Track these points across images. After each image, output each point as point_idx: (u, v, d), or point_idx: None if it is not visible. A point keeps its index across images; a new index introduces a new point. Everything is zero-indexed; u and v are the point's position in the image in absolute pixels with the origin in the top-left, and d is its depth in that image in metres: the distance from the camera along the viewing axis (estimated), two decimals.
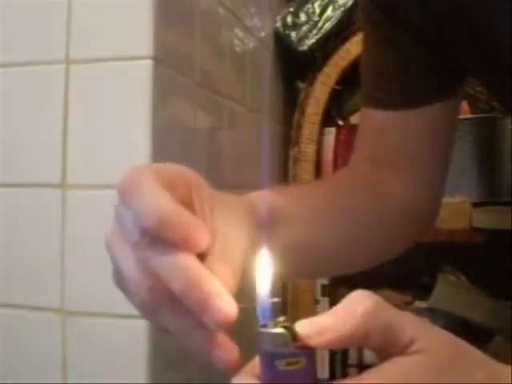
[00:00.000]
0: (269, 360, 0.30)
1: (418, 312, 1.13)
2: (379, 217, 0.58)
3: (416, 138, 0.59)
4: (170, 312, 0.35)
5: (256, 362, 0.31)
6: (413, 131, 0.59)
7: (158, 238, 0.33)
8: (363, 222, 0.57)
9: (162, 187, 0.34)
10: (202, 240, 0.33)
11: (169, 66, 0.66)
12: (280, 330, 0.30)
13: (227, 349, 0.34)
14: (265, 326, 0.31)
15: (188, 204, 0.36)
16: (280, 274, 0.35)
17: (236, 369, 0.33)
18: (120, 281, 0.36)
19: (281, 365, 0.30)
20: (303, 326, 0.30)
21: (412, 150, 0.60)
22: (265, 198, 0.46)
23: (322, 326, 0.30)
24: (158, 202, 0.33)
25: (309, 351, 0.30)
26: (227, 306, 0.32)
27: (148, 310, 0.35)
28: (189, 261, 0.33)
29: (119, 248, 0.35)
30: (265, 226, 0.43)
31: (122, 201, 0.35)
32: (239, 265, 0.36)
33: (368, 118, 0.62)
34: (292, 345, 0.30)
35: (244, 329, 0.35)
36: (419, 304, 1.14)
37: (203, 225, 0.34)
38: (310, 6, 1.16)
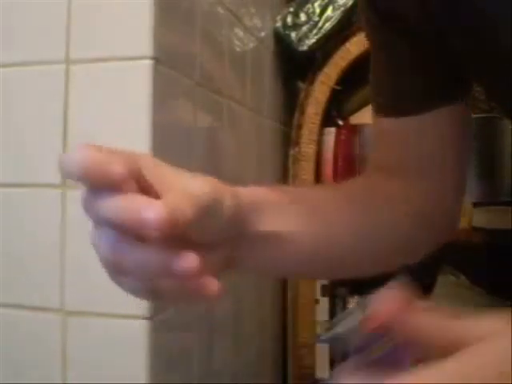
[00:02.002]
0: (358, 352, 0.30)
1: None
2: (393, 224, 0.56)
3: (427, 144, 0.58)
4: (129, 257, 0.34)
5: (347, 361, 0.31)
6: (420, 137, 0.58)
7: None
8: (374, 226, 0.55)
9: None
10: (117, 170, 0.32)
11: (169, 66, 0.66)
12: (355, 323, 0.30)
13: (184, 255, 0.33)
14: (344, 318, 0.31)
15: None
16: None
17: (198, 276, 0.33)
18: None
19: (372, 353, 0.30)
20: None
21: (424, 157, 0.58)
22: (253, 188, 0.46)
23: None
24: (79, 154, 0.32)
25: (391, 334, 0.30)
26: (154, 209, 0.31)
27: (113, 269, 0.36)
28: (122, 195, 0.33)
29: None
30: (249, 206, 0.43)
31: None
32: (196, 197, 0.35)
33: (377, 126, 0.61)
34: (373, 332, 0.30)
35: None
36: (419, 304, 1.14)
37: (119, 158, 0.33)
38: (310, 6, 1.16)
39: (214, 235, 0.40)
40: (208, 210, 0.36)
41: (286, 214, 0.48)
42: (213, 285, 0.34)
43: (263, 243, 0.46)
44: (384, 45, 0.58)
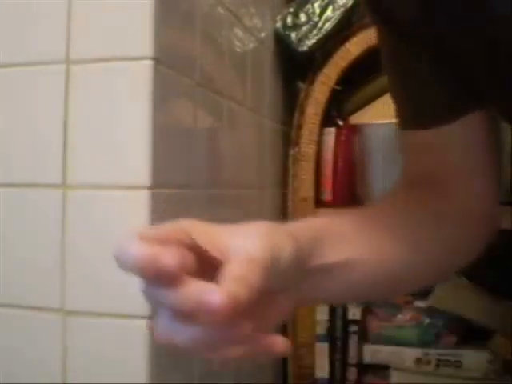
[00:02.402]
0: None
1: (418, 312, 1.13)
2: (446, 235, 0.56)
3: (456, 152, 0.57)
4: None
5: None
6: (447, 146, 0.57)
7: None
8: (424, 243, 0.55)
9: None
10: (170, 263, 0.33)
11: (169, 66, 0.66)
12: None
13: (273, 339, 0.34)
14: None
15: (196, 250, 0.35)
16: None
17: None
18: None
19: None
20: None
21: (454, 165, 0.57)
22: (303, 221, 0.46)
23: None
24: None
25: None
26: (216, 299, 0.31)
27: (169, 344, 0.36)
28: (180, 286, 0.33)
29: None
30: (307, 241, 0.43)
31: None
32: (259, 263, 0.35)
33: (402, 139, 0.60)
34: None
35: None
36: (419, 304, 1.14)
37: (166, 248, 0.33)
38: (309, 6, 1.16)
39: (276, 285, 0.39)
40: (269, 270, 0.36)
41: (344, 242, 0.48)
42: (279, 343, 0.35)
43: (325, 276, 0.46)
44: (391, 52, 0.57)
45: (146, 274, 0.33)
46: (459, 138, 0.56)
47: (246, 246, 0.36)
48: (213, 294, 0.31)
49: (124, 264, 0.33)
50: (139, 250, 0.32)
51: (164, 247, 0.33)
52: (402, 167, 0.61)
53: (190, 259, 0.34)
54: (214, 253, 0.35)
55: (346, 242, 0.48)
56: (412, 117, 0.58)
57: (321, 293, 0.47)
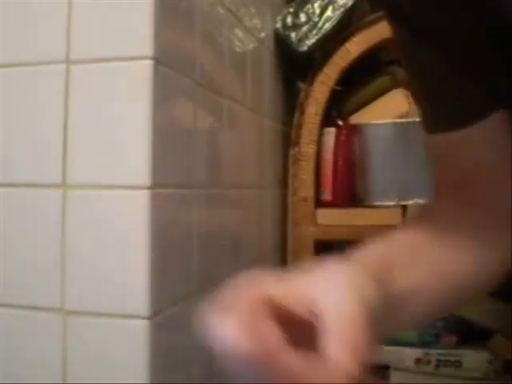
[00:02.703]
0: None
1: None
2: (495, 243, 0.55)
3: (484, 153, 0.56)
4: None
5: None
6: (473, 148, 0.56)
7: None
8: (474, 251, 0.54)
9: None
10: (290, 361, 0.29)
11: (169, 66, 0.66)
12: None
13: None
14: None
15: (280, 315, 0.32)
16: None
17: None
18: None
19: None
20: None
21: (482, 165, 0.56)
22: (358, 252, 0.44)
23: None
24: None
25: None
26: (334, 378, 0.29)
27: None
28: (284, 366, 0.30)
29: None
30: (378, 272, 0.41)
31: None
32: (361, 321, 0.32)
33: (430, 144, 0.59)
34: None
35: None
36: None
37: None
38: (309, 6, 1.16)
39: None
40: (371, 325, 0.33)
41: (406, 269, 0.47)
42: None
43: (395, 306, 0.44)
44: (409, 51, 0.56)
45: (256, 362, 0.29)
46: (482, 138, 0.55)
47: (340, 302, 0.33)
48: (331, 375, 0.29)
49: (227, 357, 0.30)
50: (240, 340, 0.29)
51: (258, 325, 0.30)
52: (434, 174, 0.60)
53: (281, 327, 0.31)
54: (298, 310, 0.33)
55: (407, 269, 0.47)
56: (435, 120, 0.57)
57: (392, 325, 0.46)
